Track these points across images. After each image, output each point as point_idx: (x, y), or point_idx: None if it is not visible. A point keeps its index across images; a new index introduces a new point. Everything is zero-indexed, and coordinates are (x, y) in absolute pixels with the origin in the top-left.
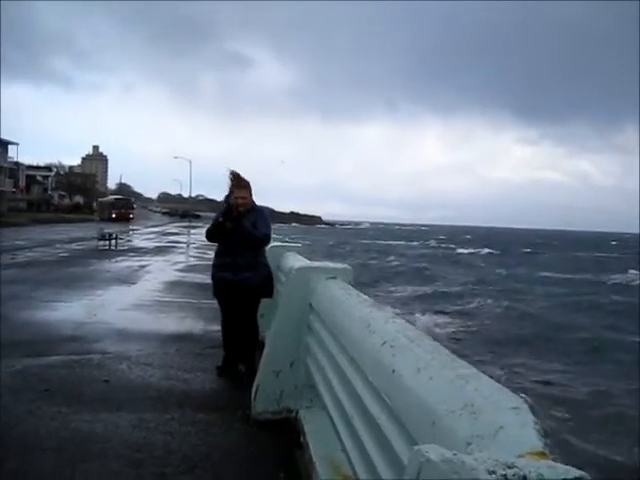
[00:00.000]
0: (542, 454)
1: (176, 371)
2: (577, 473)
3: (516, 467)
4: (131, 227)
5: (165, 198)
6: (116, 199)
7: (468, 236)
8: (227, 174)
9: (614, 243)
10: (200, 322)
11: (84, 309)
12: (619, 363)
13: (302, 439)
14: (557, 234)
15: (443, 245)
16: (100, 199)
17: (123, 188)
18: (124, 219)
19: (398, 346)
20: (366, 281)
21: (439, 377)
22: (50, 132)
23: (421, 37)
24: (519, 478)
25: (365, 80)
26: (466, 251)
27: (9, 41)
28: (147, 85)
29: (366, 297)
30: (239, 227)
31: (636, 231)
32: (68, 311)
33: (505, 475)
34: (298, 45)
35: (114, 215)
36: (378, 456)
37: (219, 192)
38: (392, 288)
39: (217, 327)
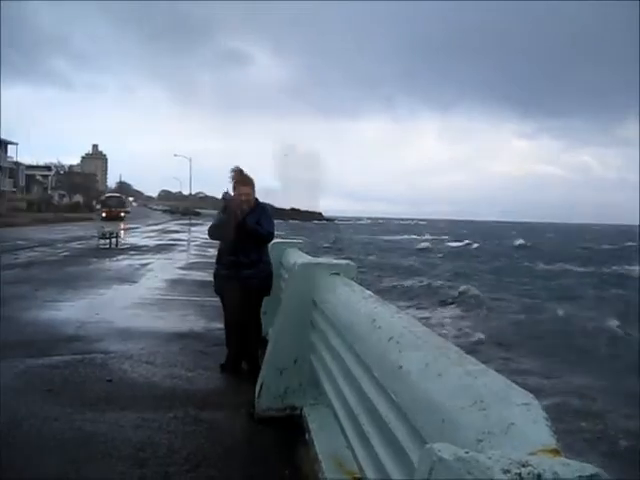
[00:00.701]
0: (555, 451)
1: (179, 370)
2: (593, 470)
3: (530, 465)
4: (132, 225)
5: (165, 196)
6: (106, 197)
7: (464, 230)
8: (230, 172)
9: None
10: (203, 320)
11: (86, 308)
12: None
13: (307, 436)
14: (554, 227)
15: (437, 239)
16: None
17: (123, 187)
18: (115, 218)
19: (405, 342)
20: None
21: (447, 373)
22: (49, 132)
23: (418, 33)
24: (534, 477)
25: (363, 76)
26: (457, 244)
27: (8, 42)
28: (146, 84)
29: (370, 293)
30: (242, 224)
31: (636, 222)
32: (70, 310)
33: (520, 474)
34: (296, 42)
35: (104, 214)
36: (385, 454)
37: (219, 189)
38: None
39: (220, 325)
